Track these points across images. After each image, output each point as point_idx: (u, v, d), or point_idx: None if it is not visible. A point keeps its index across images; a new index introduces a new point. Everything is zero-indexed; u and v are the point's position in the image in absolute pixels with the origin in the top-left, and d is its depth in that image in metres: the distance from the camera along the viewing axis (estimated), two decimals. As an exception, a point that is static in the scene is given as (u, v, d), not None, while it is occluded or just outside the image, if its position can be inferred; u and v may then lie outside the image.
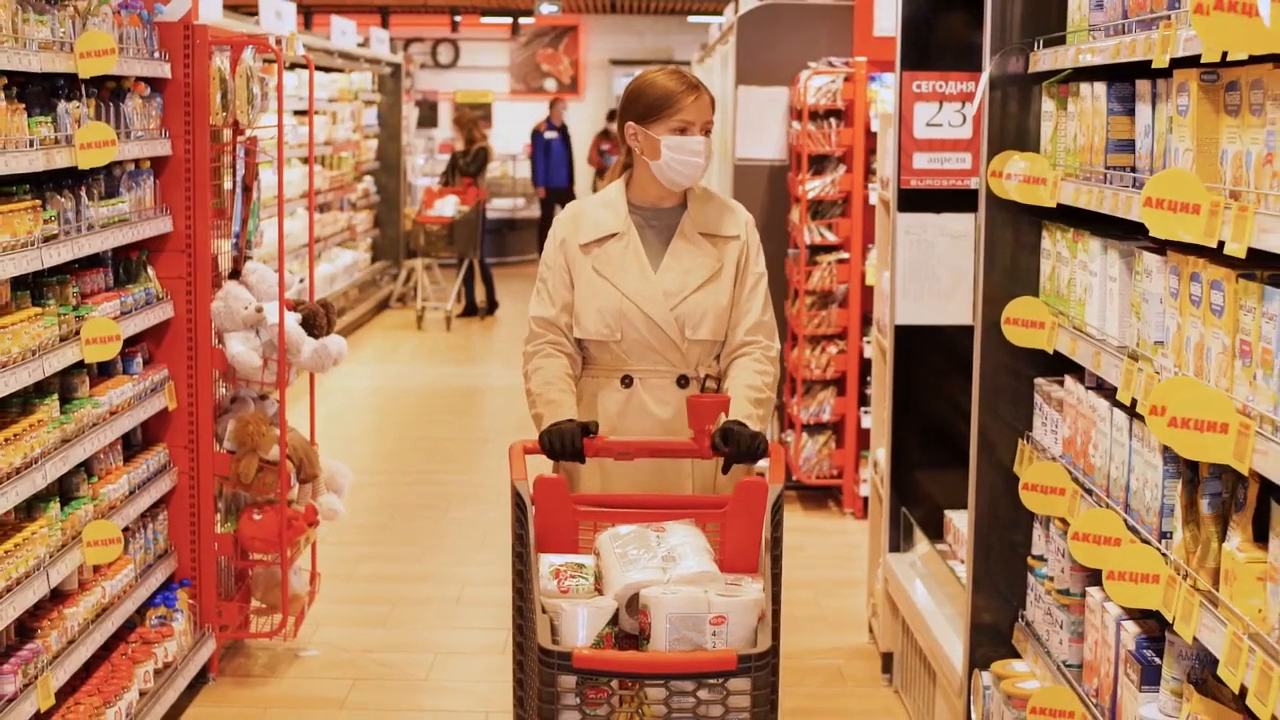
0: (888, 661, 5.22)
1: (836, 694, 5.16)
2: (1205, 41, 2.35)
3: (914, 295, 5.03)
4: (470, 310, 14.28)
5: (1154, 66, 2.79)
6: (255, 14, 11.69)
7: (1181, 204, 2.55)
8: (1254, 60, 2.43)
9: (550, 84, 21.80)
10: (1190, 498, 2.76)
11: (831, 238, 7.42)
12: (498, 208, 17.99)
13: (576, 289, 3.78)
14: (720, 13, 16.38)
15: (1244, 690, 2.40)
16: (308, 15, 18.28)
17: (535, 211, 18.62)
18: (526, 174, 19.19)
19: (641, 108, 3.75)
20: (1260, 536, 2.52)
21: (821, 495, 7.67)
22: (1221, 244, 2.47)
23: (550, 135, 17.82)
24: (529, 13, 20.51)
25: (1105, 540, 2.96)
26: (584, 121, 20.51)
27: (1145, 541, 2.91)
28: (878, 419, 5.69)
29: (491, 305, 14.42)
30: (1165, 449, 2.85)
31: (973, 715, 3.94)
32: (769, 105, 7.79)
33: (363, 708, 5.01)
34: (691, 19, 20.60)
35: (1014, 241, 3.88)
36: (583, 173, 19.27)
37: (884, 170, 5.50)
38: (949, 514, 4.82)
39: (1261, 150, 2.43)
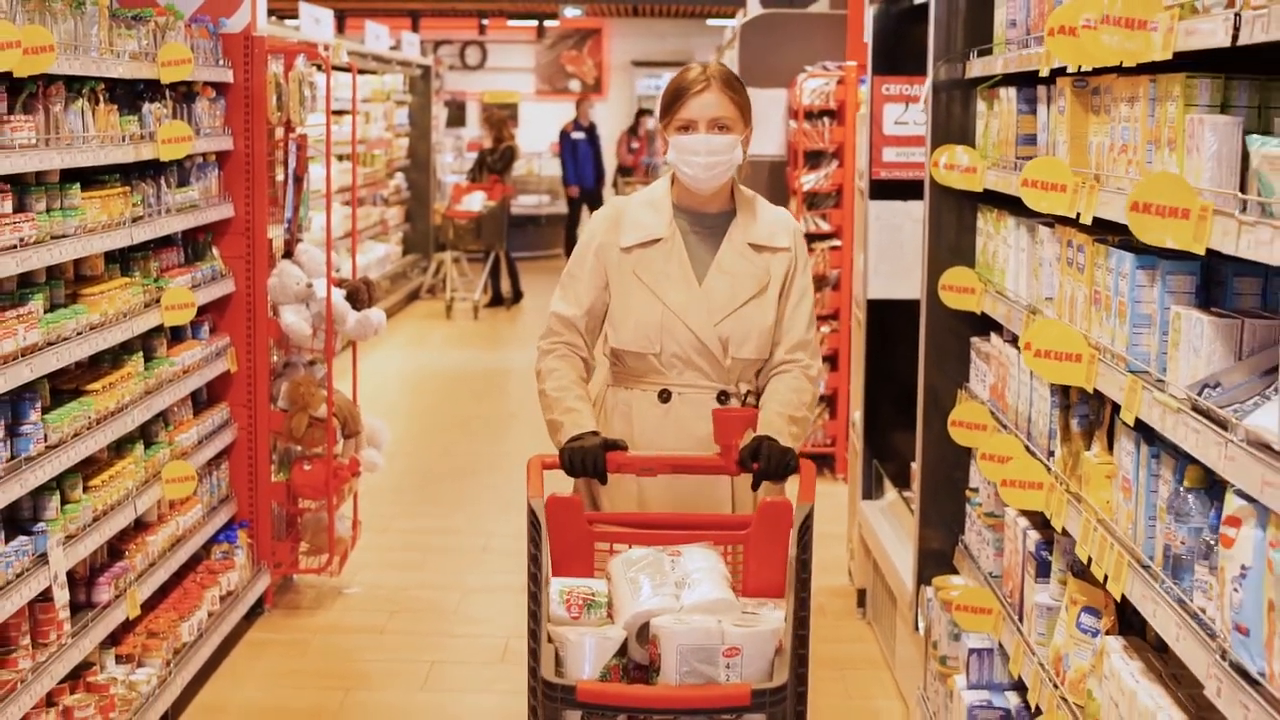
0: (861, 597, 5.90)
1: (816, 625, 5.72)
2: (1055, 56, 3.03)
3: (884, 273, 5.72)
4: (497, 300, 14.99)
5: (1040, 76, 3.47)
6: (294, 17, 12.43)
7: (1050, 184, 3.24)
8: (1100, 71, 3.10)
9: (575, 85, 22.49)
10: (1065, 420, 3.44)
11: (825, 226, 8.11)
12: (523, 204, 18.62)
13: (615, 296, 3.60)
14: (734, 16, 17.03)
15: (1090, 560, 3.08)
16: (340, 19, 19.01)
17: (561, 208, 19.27)
18: (551, 172, 19.84)
19: (662, 106, 3.62)
20: (1113, 446, 3.19)
21: (816, 463, 8.33)
22: (1079, 215, 3.16)
23: (577, 136, 17.94)
24: (554, 15, 21.25)
25: (1003, 458, 3.64)
26: (607, 121, 21.19)
27: (1036, 458, 3.59)
28: (855, 383, 6.37)
29: (517, 295, 15.10)
30: (1053, 385, 3.53)
31: (919, 623, 4.63)
32: (770, 106, 8.46)
33: (400, 633, 5.73)
34: (710, 22, 21.27)
35: (956, 223, 4.56)
36: (610, 171, 19.83)
37: (859, 163, 6.18)
38: (915, 466, 5.48)
39: (1108, 140, 3.11)
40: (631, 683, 2.89)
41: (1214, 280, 2.82)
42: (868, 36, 7.63)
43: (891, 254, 5.68)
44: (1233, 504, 2.32)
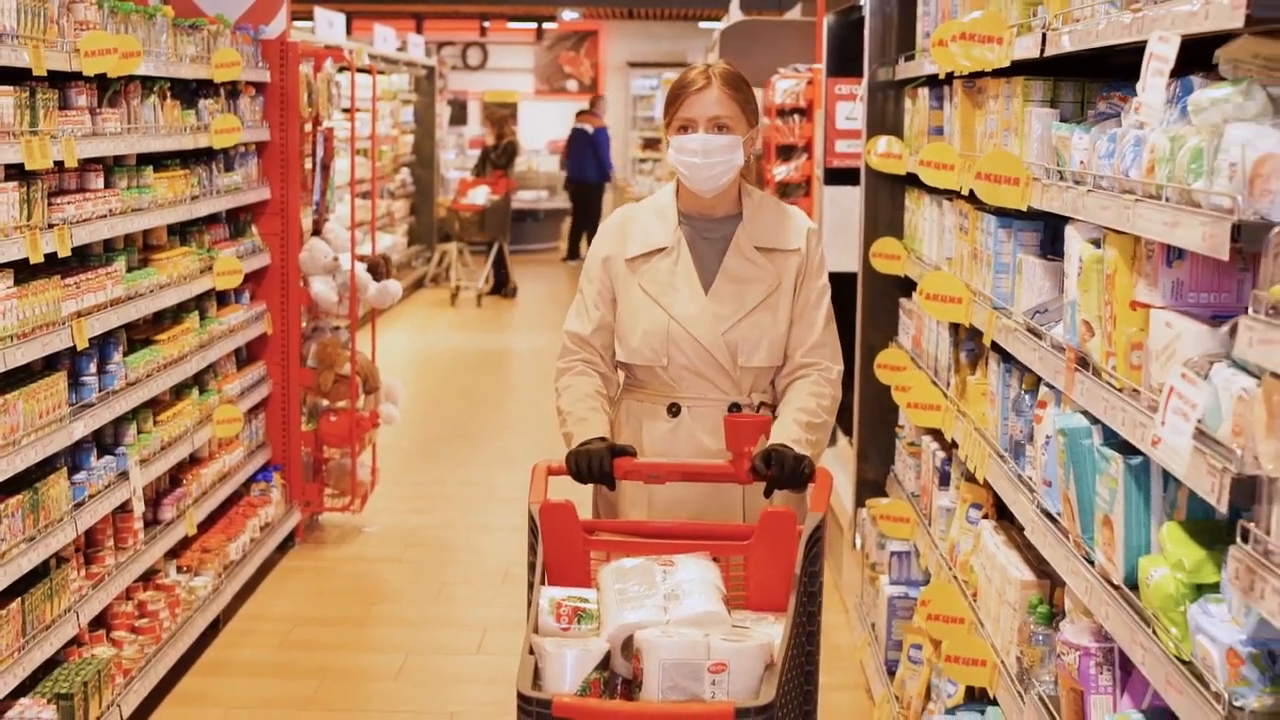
0: (818, 533, 6.74)
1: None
2: (938, 63, 3.88)
3: (837, 248, 6.54)
4: (498, 289, 15.80)
5: (939, 77, 4.30)
6: (307, 19, 13.26)
7: (941, 164, 4.08)
8: (980, 74, 3.94)
9: (572, 85, 23.33)
10: (957, 354, 4.28)
11: (796, 214, 8.95)
12: (521, 199, 19.36)
13: (621, 308, 3.52)
14: (722, 19, 17.85)
15: (967, 458, 3.92)
16: (348, 21, 19.84)
17: (561, 203, 20.05)
18: (550, 168, 20.66)
19: (664, 106, 3.53)
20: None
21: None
22: (962, 188, 4.00)
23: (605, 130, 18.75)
24: (552, 18, 22.11)
25: (906, 387, 4.48)
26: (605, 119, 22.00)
27: (937, 386, 4.44)
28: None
29: (507, 284, 15.77)
30: (950, 326, 4.36)
31: (857, 541, 5.47)
32: (746, 104, 9.28)
33: (415, 562, 6.57)
34: (702, 24, 22.12)
35: (889, 202, 5.40)
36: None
37: (818, 153, 7.02)
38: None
39: (985, 129, 3.95)
40: (614, 697, 2.78)
41: (1057, 236, 3.66)
42: (824, 42, 8.50)
43: (844, 232, 6.50)
44: (1042, 391, 3.17)
